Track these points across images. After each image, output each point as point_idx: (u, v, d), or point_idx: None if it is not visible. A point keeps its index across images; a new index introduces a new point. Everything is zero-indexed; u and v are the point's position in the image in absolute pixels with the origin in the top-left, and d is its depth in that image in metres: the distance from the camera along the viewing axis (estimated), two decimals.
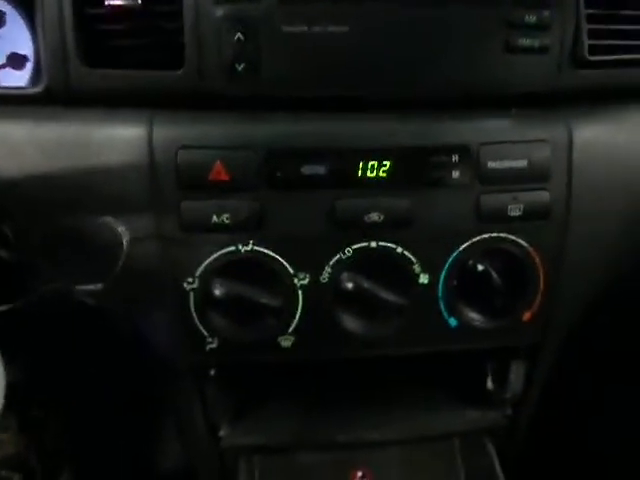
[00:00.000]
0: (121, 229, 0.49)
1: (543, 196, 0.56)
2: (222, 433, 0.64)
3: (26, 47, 0.55)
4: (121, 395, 0.79)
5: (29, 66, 0.55)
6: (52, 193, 0.53)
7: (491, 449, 0.66)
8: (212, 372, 0.60)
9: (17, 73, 0.56)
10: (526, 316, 0.59)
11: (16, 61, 0.57)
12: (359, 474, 0.69)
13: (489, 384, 0.68)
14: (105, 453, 1.00)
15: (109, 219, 0.50)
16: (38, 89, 0.54)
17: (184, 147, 0.52)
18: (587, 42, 0.55)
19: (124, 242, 0.49)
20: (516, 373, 0.64)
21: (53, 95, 0.54)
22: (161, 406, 0.66)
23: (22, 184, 0.53)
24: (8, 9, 0.55)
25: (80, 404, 0.87)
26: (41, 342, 0.62)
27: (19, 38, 0.56)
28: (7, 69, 0.57)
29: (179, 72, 0.52)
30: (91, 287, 0.48)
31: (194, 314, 0.55)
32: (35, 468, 1.03)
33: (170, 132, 0.53)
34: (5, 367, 0.54)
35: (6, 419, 0.99)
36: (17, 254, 0.53)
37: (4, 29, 0.56)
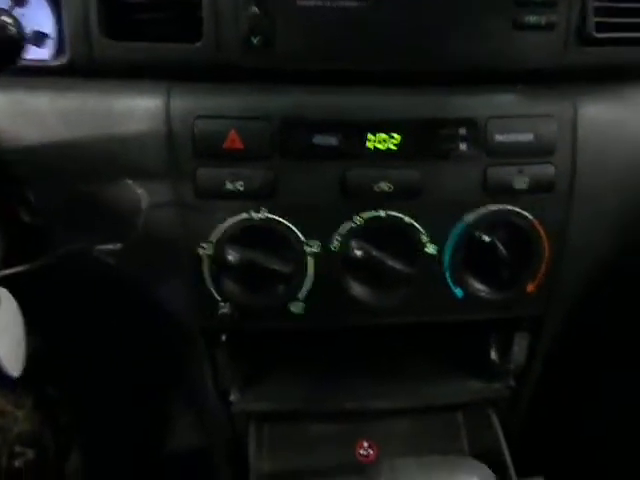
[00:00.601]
0: (140, 191, 0.51)
1: (548, 170, 0.58)
2: (232, 398, 0.65)
3: (48, 25, 0.57)
4: (136, 369, 0.81)
5: (50, 43, 0.57)
6: (73, 160, 0.55)
7: (495, 420, 0.67)
8: (223, 338, 0.62)
9: (39, 50, 0.58)
10: (530, 288, 0.61)
11: (38, 39, 0.59)
12: (365, 444, 0.71)
13: (493, 355, 0.69)
14: (118, 431, 1.02)
15: (129, 182, 0.51)
16: (61, 61, 0.56)
17: (200, 117, 0.54)
18: (594, 19, 0.57)
19: (143, 204, 0.51)
20: (519, 345, 0.66)
21: (75, 67, 0.56)
22: (175, 383, 0.68)
23: (44, 151, 0.55)
24: None
25: (94, 379, 0.89)
26: (60, 309, 0.64)
27: (41, 17, 0.58)
28: (29, 46, 0.59)
29: (197, 44, 0.54)
30: (110, 247, 0.50)
31: (208, 279, 0.57)
32: (48, 445, 1.06)
33: (187, 102, 0.55)
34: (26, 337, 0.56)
35: (22, 397, 1.01)
36: (39, 218, 0.55)
37: (26, 8, 0.58)
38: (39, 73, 0.56)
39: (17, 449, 1.01)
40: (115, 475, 1.05)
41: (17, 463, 1.02)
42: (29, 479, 1.02)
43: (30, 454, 1.03)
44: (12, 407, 1.02)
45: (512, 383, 0.68)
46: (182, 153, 0.54)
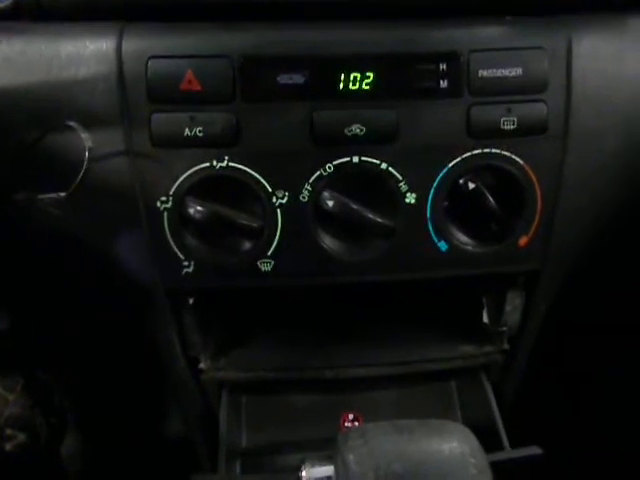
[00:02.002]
0: (84, 136, 0.47)
1: (539, 108, 0.53)
2: (202, 366, 0.61)
3: None
4: (106, 339, 0.78)
5: None
6: (18, 107, 0.51)
7: (488, 387, 0.62)
8: (190, 301, 0.58)
9: None
10: (523, 241, 0.56)
11: None
12: (350, 416, 0.67)
13: (485, 317, 0.64)
14: (109, 414, 1.00)
15: (73, 124, 0.47)
16: (5, 3, 0.52)
17: (154, 57, 0.50)
18: None
19: (86, 150, 0.47)
20: (512, 304, 0.60)
21: (21, 9, 0.52)
22: (147, 351, 0.64)
23: None
24: None
25: (68, 353, 0.86)
26: (12, 270, 0.60)
27: None
28: None
29: None
30: (54, 195, 0.46)
31: (168, 235, 0.53)
32: (41, 428, 1.04)
33: (140, 43, 0.51)
34: None
35: (12, 380, 1.00)
36: None
37: None
38: None
39: (8, 432, 1.00)
40: (110, 457, 1.03)
41: (8, 446, 1.00)
42: (21, 462, 1.00)
43: (21, 437, 1.01)
44: (2, 390, 1.00)
45: (506, 346, 0.63)
46: (135, 97, 0.50)
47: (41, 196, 0.47)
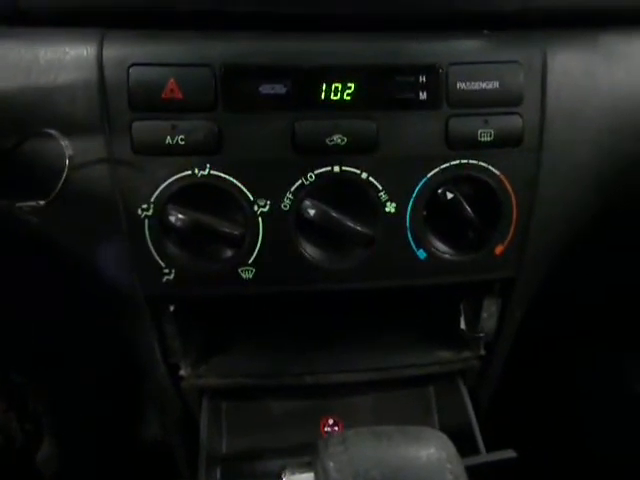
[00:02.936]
0: (65, 143, 0.47)
1: (515, 121, 0.54)
2: (183, 373, 0.61)
3: None
4: (87, 345, 0.77)
5: None
6: None
7: (464, 392, 0.64)
8: (171, 308, 0.58)
9: None
10: (499, 249, 0.57)
11: None
12: (330, 421, 0.67)
13: (462, 324, 0.65)
14: (87, 419, 0.98)
15: (52, 132, 0.47)
16: None
17: (135, 64, 0.50)
18: None
19: (67, 155, 0.46)
20: (488, 311, 0.62)
21: None
22: (127, 358, 0.64)
23: None
24: None
25: (49, 359, 0.85)
26: None
27: None
28: None
29: None
30: (32, 203, 0.46)
31: (149, 243, 0.53)
32: (15, 433, 1.02)
33: (122, 50, 0.50)
34: None
35: None
36: None
37: None
38: None
39: None
40: (86, 463, 1.02)
41: None
42: None
43: None
44: None
45: (482, 352, 0.65)
46: (116, 105, 0.50)
47: (19, 204, 0.46)
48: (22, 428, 1.03)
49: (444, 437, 0.44)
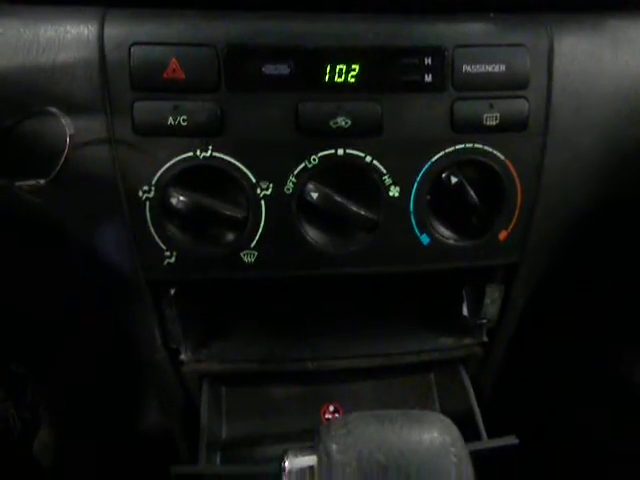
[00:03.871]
0: (65, 121, 0.46)
1: (521, 105, 0.53)
2: (183, 357, 0.61)
3: None
4: (88, 331, 0.77)
5: None
6: None
7: (466, 379, 0.63)
8: (172, 291, 0.57)
9: None
10: (502, 235, 0.56)
11: None
12: (331, 408, 0.67)
13: (465, 310, 0.65)
14: (86, 405, 0.98)
15: (53, 110, 0.46)
16: None
17: (137, 44, 0.49)
18: None
19: (68, 134, 0.46)
20: (491, 297, 0.61)
21: None
22: (127, 343, 0.63)
23: None
24: None
25: (48, 345, 0.85)
26: None
27: None
28: None
29: None
30: (32, 182, 0.45)
31: (151, 226, 0.52)
32: (14, 422, 1.02)
33: (123, 28, 0.50)
34: None
35: None
36: None
37: None
38: None
39: None
40: (86, 450, 1.02)
41: None
42: None
43: None
44: None
45: (484, 338, 0.64)
46: (117, 85, 0.49)
47: (19, 183, 0.45)
48: (20, 417, 1.03)
49: (447, 420, 0.44)
